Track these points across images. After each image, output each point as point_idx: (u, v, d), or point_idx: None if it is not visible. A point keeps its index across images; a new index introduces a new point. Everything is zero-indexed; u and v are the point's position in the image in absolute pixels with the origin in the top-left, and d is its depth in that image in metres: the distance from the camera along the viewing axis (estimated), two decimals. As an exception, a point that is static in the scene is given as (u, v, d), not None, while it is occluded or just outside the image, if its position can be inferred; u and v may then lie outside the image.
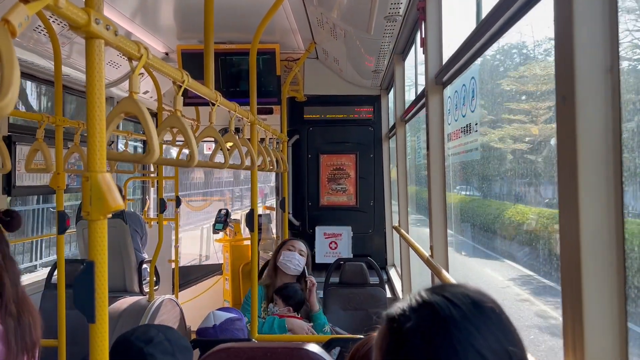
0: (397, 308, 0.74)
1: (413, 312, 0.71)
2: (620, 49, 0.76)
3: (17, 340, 1.40)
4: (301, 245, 3.12)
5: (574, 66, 0.77)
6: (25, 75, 3.43)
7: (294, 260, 2.98)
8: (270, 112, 4.72)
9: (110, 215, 0.93)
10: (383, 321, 0.76)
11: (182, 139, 4.08)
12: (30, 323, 1.46)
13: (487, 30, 1.41)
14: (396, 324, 0.72)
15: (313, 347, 1.16)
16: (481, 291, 0.73)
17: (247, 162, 2.20)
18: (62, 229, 2.42)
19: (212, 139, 6.17)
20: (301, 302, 2.84)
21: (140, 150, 5.92)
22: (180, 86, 1.47)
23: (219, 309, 2.50)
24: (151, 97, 4.54)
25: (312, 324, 2.86)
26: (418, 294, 0.74)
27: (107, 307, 0.90)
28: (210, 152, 6.91)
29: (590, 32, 0.77)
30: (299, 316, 2.82)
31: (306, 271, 3.05)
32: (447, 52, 2.03)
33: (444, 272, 1.86)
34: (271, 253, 5.43)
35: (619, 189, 0.76)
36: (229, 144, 2.02)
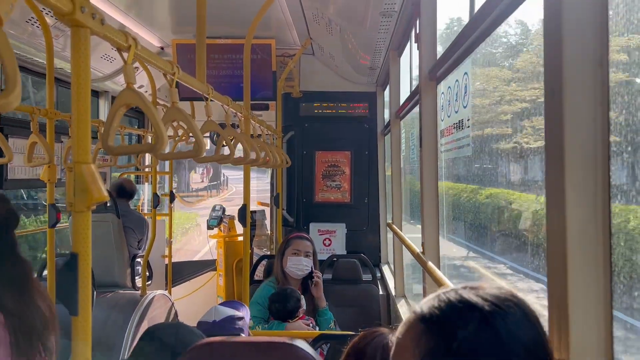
0: (430, 307, 0.72)
1: (456, 313, 0.70)
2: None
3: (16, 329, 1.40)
4: (306, 246, 2.96)
5: (563, 60, 0.76)
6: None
7: (301, 266, 2.88)
8: (265, 108, 4.70)
9: (94, 207, 0.92)
10: (413, 321, 0.74)
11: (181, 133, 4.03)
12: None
13: (480, 24, 1.40)
14: (437, 324, 0.70)
15: (299, 343, 1.16)
16: (516, 294, 0.73)
17: (252, 156, 2.18)
18: (52, 223, 2.41)
19: (207, 135, 6.16)
20: (293, 309, 2.70)
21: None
22: (172, 79, 1.45)
23: (223, 303, 2.32)
24: (146, 92, 4.51)
25: (319, 318, 2.82)
26: (455, 293, 0.72)
27: (90, 300, 0.89)
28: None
29: (580, 25, 0.76)
30: (302, 316, 2.73)
31: (313, 267, 2.94)
32: (441, 48, 2.02)
33: (434, 268, 1.85)
34: (265, 250, 5.43)
35: (606, 183, 0.75)
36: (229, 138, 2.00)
